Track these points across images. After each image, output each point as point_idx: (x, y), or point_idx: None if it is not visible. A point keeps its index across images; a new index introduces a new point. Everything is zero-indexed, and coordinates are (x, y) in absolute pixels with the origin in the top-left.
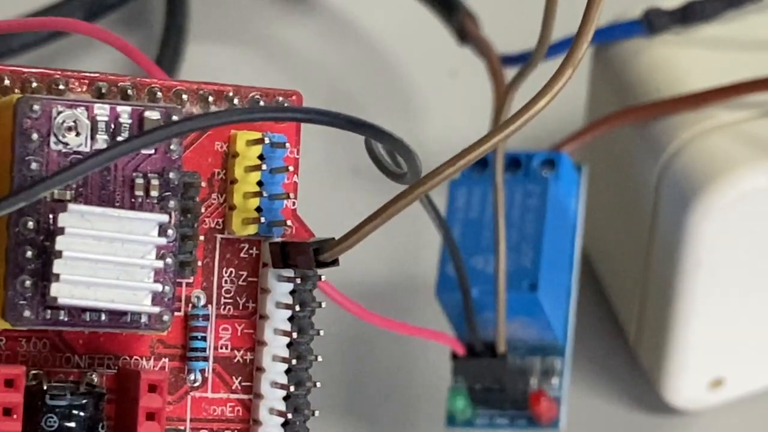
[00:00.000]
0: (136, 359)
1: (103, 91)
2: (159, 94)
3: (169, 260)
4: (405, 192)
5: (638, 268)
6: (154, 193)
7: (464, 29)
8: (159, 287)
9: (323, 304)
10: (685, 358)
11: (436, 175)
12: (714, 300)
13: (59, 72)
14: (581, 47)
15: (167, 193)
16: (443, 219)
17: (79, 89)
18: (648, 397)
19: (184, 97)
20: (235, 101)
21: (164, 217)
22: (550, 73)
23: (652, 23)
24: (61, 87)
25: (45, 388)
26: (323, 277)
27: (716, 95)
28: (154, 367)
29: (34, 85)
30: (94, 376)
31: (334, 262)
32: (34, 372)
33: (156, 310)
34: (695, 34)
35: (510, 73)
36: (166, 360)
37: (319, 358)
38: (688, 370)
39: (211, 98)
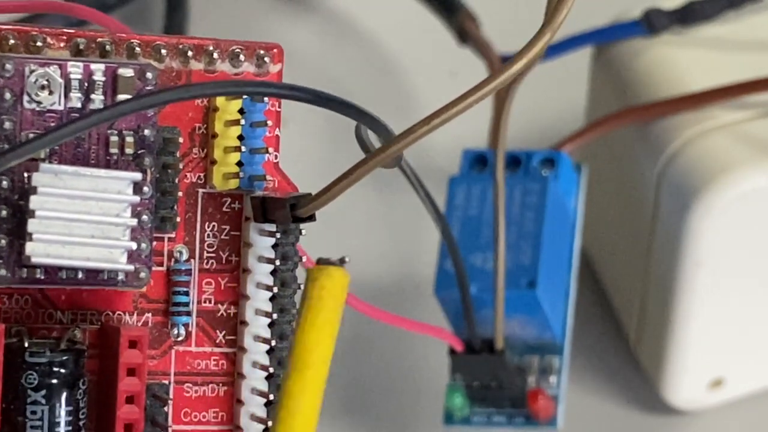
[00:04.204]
0: (119, 314)
1: (81, 47)
2: (138, 49)
3: (145, 217)
4: (378, 150)
5: (638, 267)
6: (129, 151)
7: (464, 29)
8: (134, 245)
9: (304, 259)
10: (685, 358)
11: (409, 134)
12: (714, 300)
13: (37, 29)
14: (562, 12)
15: (142, 150)
16: (442, 215)
17: (57, 46)
18: (648, 397)
19: (163, 51)
20: (215, 55)
21: (137, 175)
22: (550, 73)
23: (652, 23)
24: (39, 44)
25: (26, 345)
26: (303, 231)
27: (716, 95)
28: (137, 322)
29: (12, 42)
30: (76, 332)
31: (311, 218)
32: (15, 329)
33: (131, 267)
34: (695, 34)
35: None
36: (149, 315)
37: None
38: (688, 370)
39: (190, 53)
